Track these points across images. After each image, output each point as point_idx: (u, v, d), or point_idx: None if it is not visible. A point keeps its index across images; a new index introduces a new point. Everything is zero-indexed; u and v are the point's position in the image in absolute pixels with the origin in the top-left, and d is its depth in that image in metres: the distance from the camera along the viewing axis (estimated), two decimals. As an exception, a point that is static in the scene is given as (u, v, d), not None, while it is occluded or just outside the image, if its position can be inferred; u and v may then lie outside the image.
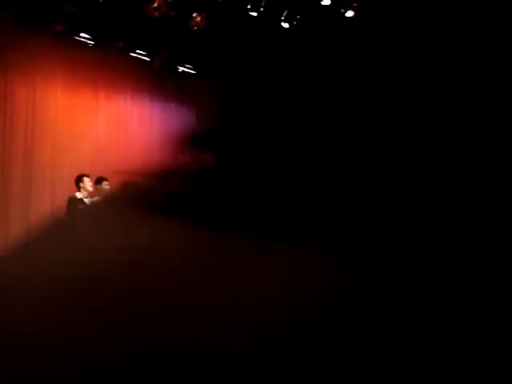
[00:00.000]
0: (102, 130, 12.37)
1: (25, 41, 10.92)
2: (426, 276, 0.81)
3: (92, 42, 11.79)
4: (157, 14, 9.97)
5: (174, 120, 13.92)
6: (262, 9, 10.60)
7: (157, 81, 13.11)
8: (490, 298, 0.80)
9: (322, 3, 10.45)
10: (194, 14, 10.51)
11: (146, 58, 12.72)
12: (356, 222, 0.89)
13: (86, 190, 7.86)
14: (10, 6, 10.19)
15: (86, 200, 7.78)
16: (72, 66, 11.74)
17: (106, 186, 8.35)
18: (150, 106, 13.42)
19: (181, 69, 13.58)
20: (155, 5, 9.86)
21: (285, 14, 10.94)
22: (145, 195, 1.05)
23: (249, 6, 10.50)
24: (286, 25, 11.03)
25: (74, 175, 8.33)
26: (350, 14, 10.71)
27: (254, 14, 10.61)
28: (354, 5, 10.60)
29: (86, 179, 7.92)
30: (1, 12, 10.21)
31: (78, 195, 7.81)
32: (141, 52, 12.56)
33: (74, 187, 8.02)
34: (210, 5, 10.40)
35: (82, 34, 11.59)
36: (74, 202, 7.75)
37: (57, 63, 11.57)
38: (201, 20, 10.52)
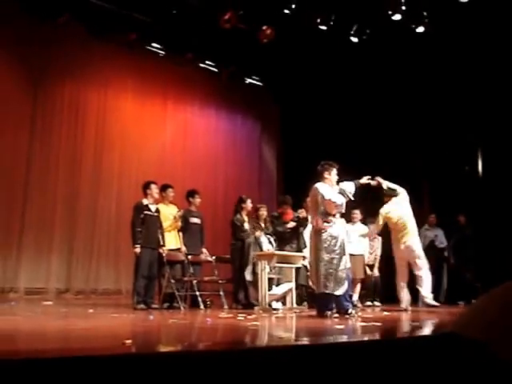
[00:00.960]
0: (168, 139, 12.57)
1: (97, 50, 11.26)
2: None
3: (163, 52, 12.03)
4: (227, 26, 10.07)
5: (239, 131, 14.02)
6: (331, 23, 10.56)
7: (224, 92, 13.24)
8: None
9: (393, 18, 10.33)
10: (264, 27, 10.56)
11: (214, 69, 12.87)
12: None
13: (152, 196, 7.98)
14: (83, 15, 10.51)
15: (151, 207, 7.90)
16: (142, 76, 12.00)
17: (170, 193, 8.46)
18: (216, 116, 13.55)
19: (248, 80, 13.68)
20: (226, 17, 9.97)
21: (354, 28, 10.88)
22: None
23: (318, 20, 10.47)
24: (355, 39, 10.96)
25: (140, 182, 8.47)
26: (420, 29, 10.57)
27: (324, 27, 10.57)
28: (426, 20, 10.46)
29: (153, 186, 8.04)
30: (74, 21, 10.54)
31: (145, 201, 7.94)
32: (209, 63, 12.73)
33: (140, 194, 8.16)
34: (280, 18, 10.44)
35: (153, 44, 11.84)
36: (140, 207, 7.88)
37: (128, 72, 11.86)
38: (270, 33, 10.57)
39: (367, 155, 11.29)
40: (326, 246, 6.20)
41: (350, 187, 6.60)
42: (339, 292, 6.16)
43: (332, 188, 6.47)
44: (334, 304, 6.19)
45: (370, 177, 7.05)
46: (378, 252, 10.11)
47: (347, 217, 9.78)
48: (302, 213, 8.76)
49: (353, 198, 6.64)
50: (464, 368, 3.48)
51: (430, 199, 11.47)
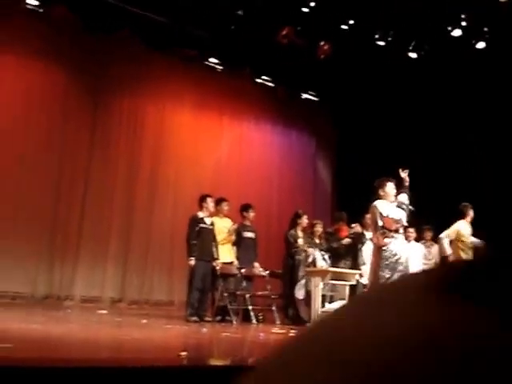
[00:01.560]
0: (224, 153, 12.65)
1: (155, 64, 11.45)
2: None
3: (221, 67, 12.15)
4: (285, 41, 10.11)
5: (295, 146, 14.00)
6: (389, 38, 10.47)
7: (279, 107, 13.26)
8: None
9: (452, 34, 10.18)
10: (322, 43, 10.56)
11: (270, 84, 12.92)
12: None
13: (207, 209, 8.05)
14: (142, 29, 10.74)
15: (206, 220, 7.97)
16: (200, 91, 12.13)
17: (225, 206, 8.52)
18: (271, 131, 13.58)
19: (304, 96, 13.67)
20: (284, 32, 10.01)
21: (413, 43, 10.76)
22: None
23: (377, 36, 10.41)
24: (413, 55, 10.83)
25: (195, 196, 8.55)
26: (481, 45, 10.38)
27: (382, 43, 10.49)
28: (487, 36, 10.27)
29: (209, 199, 8.11)
30: (133, 35, 10.76)
31: (200, 214, 8.01)
32: (266, 78, 12.78)
33: (195, 207, 8.23)
34: (338, 33, 10.42)
35: (211, 59, 11.98)
36: (195, 220, 7.95)
37: (185, 87, 12.01)
38: (327, 48, 10.55)
39: (424, 173, 11.12)
40: (387, 263, 6.12)
41: (403, 198, 6.56)
42: None
43: (390, 204, 6.40)
44: None
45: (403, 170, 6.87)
46: (437, 259, 9.97)
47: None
48: (356, 227, 8.68)
49: (412, 208, 6.58)
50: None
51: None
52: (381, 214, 6.26)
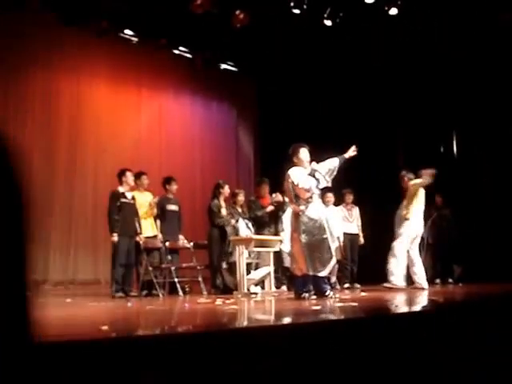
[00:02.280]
0: (143, 127, 12.48)
1: (69, 38, 11.10)
2: None
3: (136, 39, 11.91)
4: (200, 10, 9.99)
5: (216, 117, 13.97)
6: (304, 6, 10.53)
7: (199, 78, 13.16)
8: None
9: (366, 1, 10.34)
10: (237, 12, 10.50)
11: (188, 55, 12.78)
12: None
13: (128, 183, 7.95)
14: (54, 3, 10.37)
15: (127, 194, 7.87)
16: (116, 63, 11.89)
17: (145, 180, 8.45)
18: (191, 103, 13.48)
19: (223, 66, 13.61)
20: (198, 2, 9.88)
21: (328, 11, 10.86)
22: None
23: (292, 4, 10.44)
24: (328, 22, 10.94)
25: (116, 170, 8.42)
26: (393, 11, 10.59)
27: (297, 11, 10.54)
28: (399, 2, 10.49)
29: (128, 173, 8.02)
30: (43, 9, 10.38)
31: (121, 189, 7.90)
32: (183, 49, 12.63)
33: (115, 181, 8.12)
34: (253, 2, 10.39)
35: (126, 31, 11.72)
36: (116, 195, 7.85)
37: (101, 60, 11.72)
38: (244, 17, 10.52)
39: (343, 138, 11.31)
40: (303, 228, 6.15)
41: (332, 163, 6.49)
42: (321, 274, 6.13)
43: (303, 171, 6.35)
44: (311, 286, 6.16)
45: (355, 148, 6.81)
46: (359, 222, 10.31)
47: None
48: (276, 197, 8.79)
49: (328, 179, 6.51)
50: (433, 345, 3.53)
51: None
52: (293, 182, 6.25)
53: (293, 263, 6.46)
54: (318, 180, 6.37)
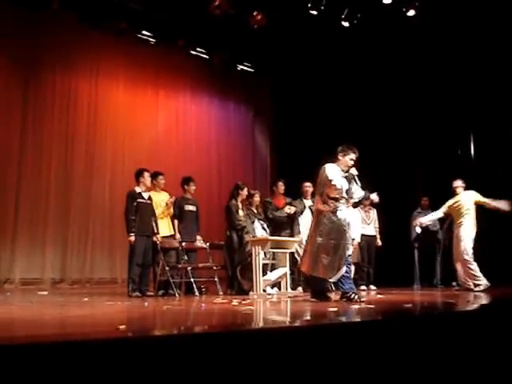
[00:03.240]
0: (161, 127, 12.55)
1: (88, 39, 11.19)
2: None
3: (153, 40, 11.97)
4: (217, 12, 10.03)
5: (232, 118, 13.99)
6: (322, 7, 10.52)
7: (216, 79, 13.20)
8: None
9: (384, 2, 10.31)
10: (255, 13, 10.52)
11: (205, 56, 12.82)
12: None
13: (145, 184, 7.97)
14: (74, 4, 10.45)
15: (144, 194, 7.90)
16: (134, 64, 11.97)
17: (161, 180, 8.46)
18: (208, 103, 13.52)
19: (240, 67, 13.63)
20: (216, 3, 9.92)
21: (345, 12, 10.84)
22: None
23: (309, 5, 10.44)
24: (346, 24, 10.92)
25: (133, 171, 8.45)
26: (411, 13, 10.55)
27: (315, 12, 10.53)
28: (416, 4, 10.44)
29: (146, 174, 8.03)
30: (65, 11, 10.47)
31: (138, 189, 7.93)
32: (201, 50, 12.67)
33: (133, 182, 8.15)
34: (271, 3, 10.40)
35: (144, 32, 11.78)
36: (133, 195, 7.87)
37: (119, 61, 11.83)
38: (261, 18, 10.53)
39: (360, 140, 11.28)
40: (321, 229, 6.03)
41: (359, 192, 6.34)
42: (332, 279, 5.97)
43: (340, 171, 6.19)
44: (331, 287, 6.12)
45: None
46: (377, 224, 10.26)
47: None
48: (289, 209, 8.77)
49: (356, 199, 6.45)
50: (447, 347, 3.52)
51: (423, 182, 11.50)
52: (327, 176, 6.08)
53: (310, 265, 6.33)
54: (351, 186, 6.21)
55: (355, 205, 9.93)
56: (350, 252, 6.14)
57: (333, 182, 6.03)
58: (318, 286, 6.16)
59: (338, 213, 6.09)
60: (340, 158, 6.25)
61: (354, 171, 6.25)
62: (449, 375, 3.46)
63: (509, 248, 9.74)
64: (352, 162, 6.26)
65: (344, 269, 6.00)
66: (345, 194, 6.16)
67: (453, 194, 8.78)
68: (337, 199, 6.12)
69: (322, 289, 6.17)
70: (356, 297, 5.94)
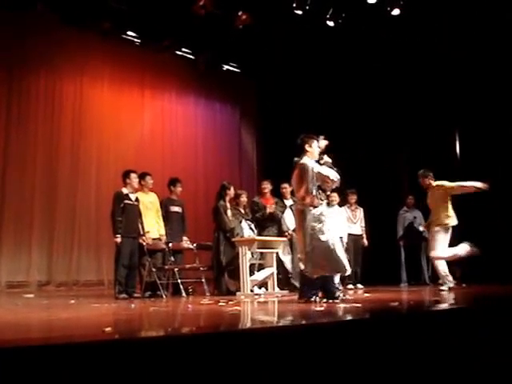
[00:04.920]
0: (146, 128, 12.51)
1: (73, 40, 11.14)
2: None
3: (138, 40, 11.94)
4: (202, 12, 10.01)
5: (219, 118, 13.98)
6: (307, 7, 10.53)
7: (201, 79, 13.17)
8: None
9: (368, 1, 10.35)
10: (240, 13, 10.52)
11: (191, 57, 12.79)
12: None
13: (132, 185, 7.93)
14: (58, 5, 10.39)
15: (131, 196, 7.86)
16: (119, 65, 11.94)
17: (149, 180, 8.43)
18: (194, 103, 13.50)
19: (225, 67, 13.62)
20: (201, 3, 9.90)
21: (330, 12, 10.86)
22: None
23: (294, 5, 10.45)
24: (331, 23, 10.95)
25: (119, 171, 8.42)
26: (396, 12, 10.60)
27: (300, 12, 10.55)
28: (401, 2, 10.48)
29: (132, 175, 7.99)
30: (49, 12, 10.41)
31: (124, 190, 7.89)
32: (186, 50, 12.65)
33: (119, 183, 8.11)
34: (255, 3, 10.40)
35: (128, 32, 11.74)
36: (120, 197, 7.84)
37: (104, 61, 11.78)
38: (246, 18, 10.53)
39: (345, 139, 11.34)
40: (314, 225, 5.77)
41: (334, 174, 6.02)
42: (326, 275, 5.83)
43: (317, 163, 5.99)
44: (319, 288, 5.85)
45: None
46: (363, 223, 10.26)
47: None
48: (270, 208, 8.79)
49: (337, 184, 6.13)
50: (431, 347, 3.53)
51: (408, 181, 11.55)
52: (319, 172, 5.88)
53: (300, 264, 6.12)
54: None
55: (341, 203, 9.98)
56: (338, 248, 5.89)
57: (331, 177, 5.87)
58: (312, 287, 5.87)
59: (322, 209, 5.90)
60: (308, 149, 6.02)
61: (327, 158, 6.12)
62: (437, 372, 3.47)
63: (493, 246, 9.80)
64: (319, 149, 6.09)
65: (337, 264, 5.82)
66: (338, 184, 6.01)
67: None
68: (329, 191, 6.01)
69: (331, 288, 5.93)
70: (341, 295, 5.93)
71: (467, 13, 10.13)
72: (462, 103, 10.90)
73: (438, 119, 11.22)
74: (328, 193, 6.12)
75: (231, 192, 8.64)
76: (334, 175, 5.91)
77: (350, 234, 9.99)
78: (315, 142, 6.08)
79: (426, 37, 10.81)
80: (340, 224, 9.52)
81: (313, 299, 5.74)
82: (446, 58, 10.78)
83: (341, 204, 10.00)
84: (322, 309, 4.71)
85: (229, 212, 8.45)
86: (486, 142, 10.53)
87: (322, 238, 5.74)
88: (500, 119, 10.39)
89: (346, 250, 9.64)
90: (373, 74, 11.79)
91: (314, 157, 6.06)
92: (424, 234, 10.54)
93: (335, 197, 9.64)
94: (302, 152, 6.06)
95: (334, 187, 6.06)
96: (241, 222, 8.45)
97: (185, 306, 6.08)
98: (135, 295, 7.78)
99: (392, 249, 10.76)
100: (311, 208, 5.84)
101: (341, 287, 9.33)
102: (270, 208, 8.79)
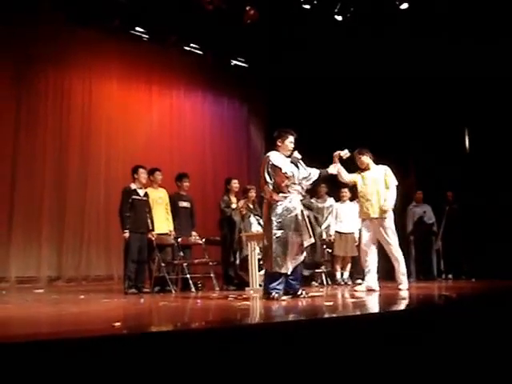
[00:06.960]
0: (155, 123, 12.53)
1: (80, 37, 11.16)
2: None
3: (146, 36, 11.94)
4: (210, 7, 10.00)
5: (227, 113, 13.97)
6: (315, 1, 10.50)
7: (209, 75, 13.17)
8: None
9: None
10: (247, 8, 10.50)
11: (199, 52, 12.79)
12: None
13: (140, 181, 7.93)
14: (66, 3, 10.41)
15: (139, 191, 7.87)
16: (127, 61, 11.95)
17: (158, 176, 8.44)
18: (202, 99, 13.50)
19: (233, 63, 13.61)
20: (208, -2, 9.90)
21: (338, 6, 10.82)
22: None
23: (302, -1, 10.43)
24: (339, 17, 10.90)
25: (127, 166, 8.43)
26: (404, 6, 10.54)
27: (308, 6, 10.52)
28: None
29: (141, 170, 7.99)
30: (57, 10, 10.43)
31: (133, 186, 7.90)
32: (194, 46, 12.65)
33: (128, 179, 8.13)
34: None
35: (136, 28, 11.75)
36: (128, 192, 7.85)
37: (112, 58, 11.80)
38: (253, 13, 10.51)
39: (354, 134, 11.29)
40: (278, 220, 5.67)
41: (313, 173, 6.00)
42: (284, 271, 5.66)
43: (285, 158, 5.92)
44: (283, 285, 5.70)
45: (338, 165, 6.57)
46: None
47: (336, 195, 9.84)
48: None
49: (308, 184, 6.09)
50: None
51: (416, 176, 11.51)
52: (273, 165, 5.80)
53: (262, 258, 6.08)
54: (299, 170, 5.91)
55: (352, 198, 9.94)
56: (307, 244, 5.85)
57: (283, 171, 5.76)
58: (275, 283, 5.68)
59: (290, 201, 5.79)
60: (279, 143, 5.97)
61: (297, 155, 6.01)
62: (437, 372, 3.46)
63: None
64: (292, 146, 6.02)
65: (299, 260, 5.80)
66: (297, 181, 5.87)
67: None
68: (289, 188, 5.83)
69: (276, 286, 5.69)
70: (304, 293, 5.81)
71: (477, 7, 10.05)
72: (471, 101, 10.83)
73: (448, 117, 11.15)
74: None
75: (233, 185, 8.62)
76: (290, 170, 5.79)
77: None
78: (290, 137, 6.01)
79: (435, 33, 10.73)
80: (351, 219, 9.51)
81: (273, 296, 5.57)
82: (456, 55, 10.69)
83: (352, 199, 9.94)
84: (331, 304, 4.71)
85: (233, 206, 8.45)
86: (496, 140, 10.47)
87: (276, 233, 5.66)
88: (509, 117, 10.32)
89: (357, 246, 9.63)
90: (382, 71, 11.71)
91: (285, 152, 5.98)
92: (434, 228, 10.53)
93: (346, 192, 9.61)
94: (274, 146, 6.04)
95: (288, 183, 5.81)
96: (249, 216, 8.45)
97: (194, 301, 6.09)
98: (144, 290, 7.80)
99: (402, 244, 10.73)
100: (278, 204, 5.73)
101: (350, 282, 9.39)
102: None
